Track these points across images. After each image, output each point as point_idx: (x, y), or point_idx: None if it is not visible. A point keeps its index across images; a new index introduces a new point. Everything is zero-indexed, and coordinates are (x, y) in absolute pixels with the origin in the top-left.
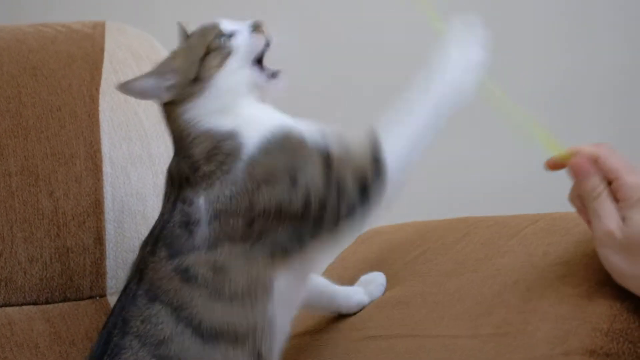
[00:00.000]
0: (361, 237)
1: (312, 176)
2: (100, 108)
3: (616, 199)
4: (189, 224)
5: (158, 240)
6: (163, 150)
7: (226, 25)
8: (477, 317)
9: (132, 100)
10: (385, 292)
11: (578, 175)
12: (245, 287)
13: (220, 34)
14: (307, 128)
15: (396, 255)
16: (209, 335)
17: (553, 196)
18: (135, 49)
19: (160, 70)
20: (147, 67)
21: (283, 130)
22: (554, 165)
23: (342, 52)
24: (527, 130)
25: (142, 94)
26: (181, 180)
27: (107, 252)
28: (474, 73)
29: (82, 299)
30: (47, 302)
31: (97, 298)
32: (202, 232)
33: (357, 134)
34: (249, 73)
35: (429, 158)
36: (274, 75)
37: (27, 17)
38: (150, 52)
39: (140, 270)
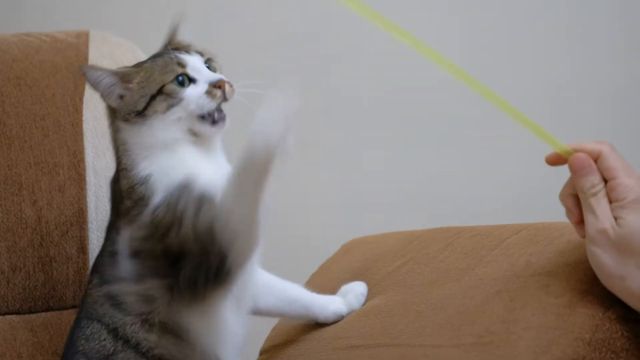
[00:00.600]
0: (345, 246)
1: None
2: (84, 117)
3: (610, 198)
4: (114, 255)
5: (94, 267)
6: None
7: (191, 68)
8: (459, 327)
9: None
10: (367, 301)
11: (579, 171)
12: (172, 323)
13: (179, 76)
14: (207, 182)
15: (379, 265)
16: (150, 356)
17: (536, 206)
18: (119, 58)
19: (124, 77)
20: None
21: (184, 181)
22: (555, 159)
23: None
24: (528, 127)
25: (95, 85)
26: (114, 203)
27: (90, 262)
28: (279, 126)
29: (65, 308)
30: (30, 312)
31: None
32: (125, 264)
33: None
34: (186, 125)
35: (412, 169)
36: (214, 122)
37: (11, 26)
38: (133, 61)
39: (84, 295)
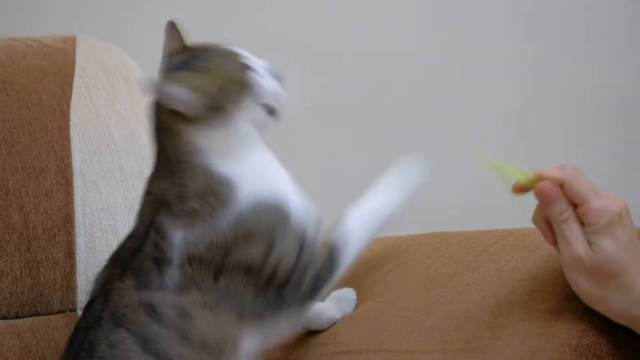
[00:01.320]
0: None
1: (286, 251)
2: (71, 122)
3: (582, 222)
4: (160, 261)
5: (127, 266)
6: (134, 165)
7: (246, 57)
8: (446, 333)
9: (103, 114)
10: (356, 307)
11: (544, 200)
12: (214, 340)
13: (243, 65)
14: (297, 203)
15: (367, 271)
16: None
17: (522, 212)
18: (106, 62)
19: (195, 87)
20: (118, 82)
21: (275, 199)
22: (520, 189)
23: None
24: (487, 167)
25: (172, 100)
26: (162, 203)
27: (77, 267)
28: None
29: (53, 313)
30: (17, 317)
31: (68, 312)
32: (173, 273)
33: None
34: (259, 113)
35: None
36: (272, 113)
37: None
38: (121, 65)
39: (106, 291)
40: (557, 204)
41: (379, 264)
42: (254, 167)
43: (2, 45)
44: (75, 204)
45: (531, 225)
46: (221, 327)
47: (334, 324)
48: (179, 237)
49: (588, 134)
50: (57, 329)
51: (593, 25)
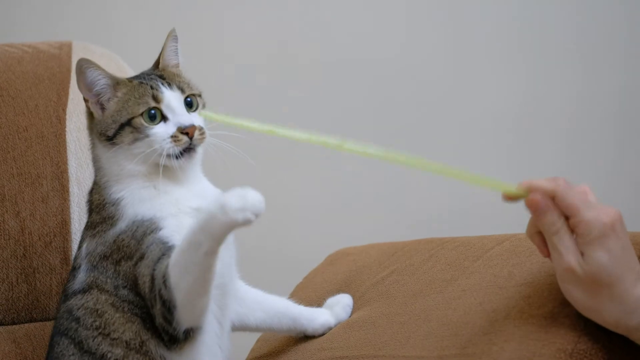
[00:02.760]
0: (329, 258)
1: (144, 267)
2: (67, 128)
3: (575, 233)
4: (74, 269)
5: (66, 282)
6: None
7: (165, 105)
8: (443, 338)
9: None
10: (352, 313)
11: (535, 212)
12: (131, 337)
13: (152, 109)
14: (172, 224)
15: (364, 277)
16: None
17: (519, 217)
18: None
19: (116, 83)
20: None
21: (150, 217)
22: (510, 199)
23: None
24: (476, 183)
25: (92, 83)
26: (88, 213)
27: None
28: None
29: (49, 319)
30: (13, 323)
31: None
32: (80, 277)
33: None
34: (151, 159)
35: (395, 180)
36: (180, 156)
37: None
38: (117, 71)
39: (57, 309)
40: (548, 215)
41: (376, 270)
42: (136, 195)
43: None
44: (71, 210)
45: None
46: (134, 326)
47: (329, 329)
48: (84, 246)
49: (577, 137)
50: None
51: (582, 29)
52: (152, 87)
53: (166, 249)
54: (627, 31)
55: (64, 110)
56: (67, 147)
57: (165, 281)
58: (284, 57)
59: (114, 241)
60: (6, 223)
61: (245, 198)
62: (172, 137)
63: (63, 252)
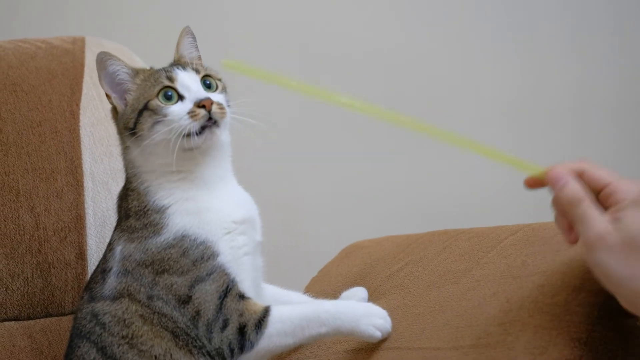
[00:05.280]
0: (344, 251)
1: (207, 293)
2: (81, 123)
3: (607, 205)
4: (104, 272)
5: (87, 283)
6: None
7: (180, 84)
8: (457, 329)
9: None
10: None
11: (557, 184)
12: (161, 353)
13: (167, 90)
14: (226, 249)
15: (378, 269)
16: None
17: (532, 207)
18: None
19: (135, 72)
20: None
21: (203, 240)
22: (533, 183)
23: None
24: (499, 160)
25: (113, 76)
26: (118, 218)
27: (89, 267)
28: (369, 331)
29: (64, 314)
30: (28, 318)
31: None
32: (111, 281)
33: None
34: (177, 145)
35: (408, 172)
36: (200, 132)
37: (6, 33)
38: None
39: (76, 309)
40: (569, 185)
41: (390, 262)
42: (184, 201)
43: (11, 47)
44: (86, 205)
45: (540, 220)
46: (163, 342)
47: None
48: (119, 249)
49: (576, 126)
50: (69, 330)
51: (577, 20)
52: (166, 70)
53: (230, 283)
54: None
55: (78, 105)
56: (81, 142)
57: (260, 327)
58: (291, 50)
59: (159, 252)
60: (21, 218)
61: (387, 320)
62: (189, 112)
63: (78, 247)
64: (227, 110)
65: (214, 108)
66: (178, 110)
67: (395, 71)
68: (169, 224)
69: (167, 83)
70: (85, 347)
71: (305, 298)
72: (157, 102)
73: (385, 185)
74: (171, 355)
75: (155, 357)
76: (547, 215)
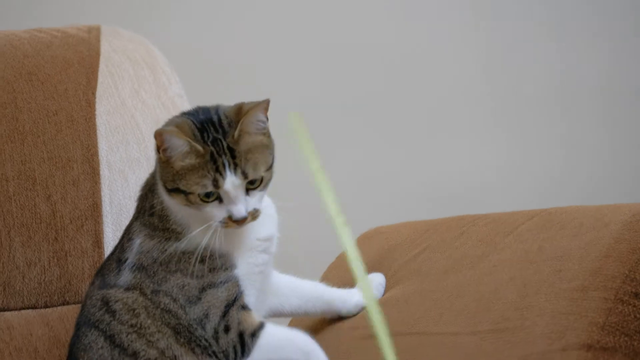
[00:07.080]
0: (362, 236)
1: (217, 299)
2: (97, 112)
3: None
4: (120, 261)
5: (100, 270)
6: None
7: (224, 191)
8: (475, 314)
9: (128, 103)
10: (385, 291)
11: None
12: (165, 346)
13: (207, 190)
14: (244, 264)
15: (396, 255)
16: None
17: (549, 192)
18: (131, 52)
19: (186, 152)
20: (143, 71)
21: (224, 253)
22: None
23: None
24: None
25: (171, 149)
26: (140, 209)
27: (105, 255)
28: None
29: (81, 302)
30: (45, 306)
31: None
32: (126, 273)
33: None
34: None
35: (424, 161)
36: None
37: (22, 22)
38: (146, 55)
39: (85, 296)
40: None
41: (408, 248)
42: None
43: (27, 36)
44: (102, 193)
45: (554, 204)
46: (164, 338)
47: (362, 308)
48: (138, 242)
49: (561, 119)
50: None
51: (563, 10)
52: (216, 169)
53: (239, 294)
54: None
55: (94, 94)
56: (97, 130)
57: (254, 337)
58: (287, 43)
59: (177, 255)
60: (37, 207)
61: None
62: (221, 221)
63: (95, 235)
64: (260, 209)
65: (248, 219)
66: (213, 213)
67: (395, 69)
68: (188, 234)
69: (211, 189)
70: (93, 336)
71: (323, 287)
72: (196, 198)
73: (401, 173)
74: (172, 351)
75: (162, 350)
76: (564, 199)
